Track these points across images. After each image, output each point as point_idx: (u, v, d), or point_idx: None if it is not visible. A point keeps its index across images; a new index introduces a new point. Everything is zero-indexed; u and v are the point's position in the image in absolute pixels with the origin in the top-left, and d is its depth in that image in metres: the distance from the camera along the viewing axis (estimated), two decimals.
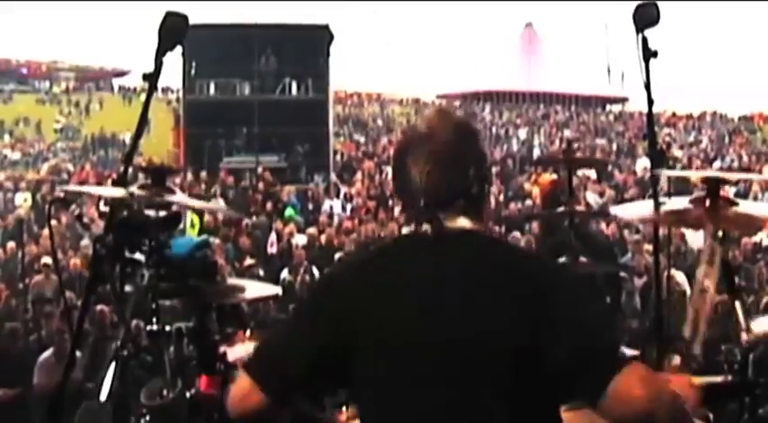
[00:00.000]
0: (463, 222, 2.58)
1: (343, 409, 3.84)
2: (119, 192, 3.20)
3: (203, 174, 24.43)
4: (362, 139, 43.14)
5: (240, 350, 3.94)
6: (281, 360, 2.63)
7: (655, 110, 3.76)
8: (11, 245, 16.15)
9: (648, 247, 13.71)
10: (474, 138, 2.69)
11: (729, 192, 3.23)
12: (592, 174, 25.19)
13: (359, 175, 26.51)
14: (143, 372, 3.50)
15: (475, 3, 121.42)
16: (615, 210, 3.37)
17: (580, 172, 23.27)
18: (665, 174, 3.37)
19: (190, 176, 23.82)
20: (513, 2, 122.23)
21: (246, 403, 2.65)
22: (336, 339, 2.54)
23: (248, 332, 4.51)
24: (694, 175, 3.25)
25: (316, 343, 2.57)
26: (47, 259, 14.20)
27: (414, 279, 2.51)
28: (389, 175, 27.10)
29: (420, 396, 2.44)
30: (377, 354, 2.50)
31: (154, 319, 3.50)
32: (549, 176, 9.16)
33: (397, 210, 20.73)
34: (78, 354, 8.23)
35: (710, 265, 2.95)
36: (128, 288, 3.17)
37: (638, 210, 3.34)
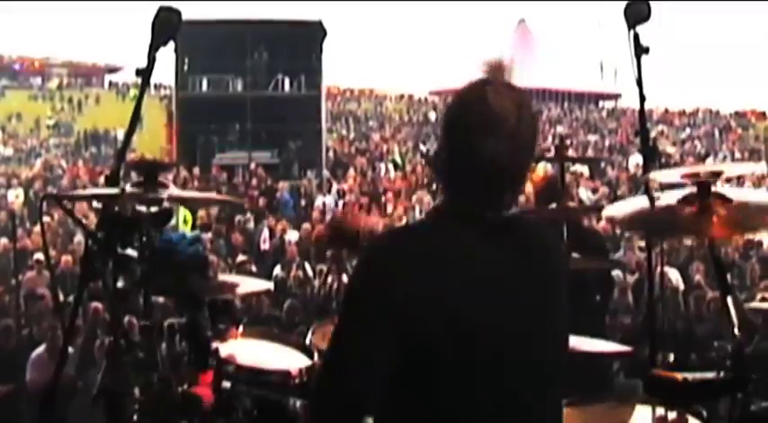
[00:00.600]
0: (515, 210, 2.53)
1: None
2: (112, 191, 3.19)
3: (196, 170, 24.40)
4: (355, 136, 43.14)
5: (232, 346, 3.93)
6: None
7: (647, 106, 3.76)
8: (3, 241, 16.09)
9: (641, 243, 13.74)
10: (535, 119, 2.50)
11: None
12: (585, 170, 25.24)
13: (351, 172, 26.49)
14: (135, 367, 3.50)
15: None
16: (608, 210, 3.31)
17: (573, 168, 23.34)
18: (656, 176, 3.36)
19: (183, 172, 23.78)
20: None
21: None
22: (406, 344, 2.28)
23: (240, 328, 4.48)
24: (679, 172, 3.16)
25: (385, 354, 2.30)
26: (39, 255, 14.18)
27: (487, 270, 2.36)
28: (383, 171, 27.16)
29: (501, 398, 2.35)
30: (456, 355, 2.28)
31: (146, 315, 3.50)
32: (542, 171, 9.17)
33: (389, 206, 20.79)
34: (70, 350, 8.24)
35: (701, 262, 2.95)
36: (120, 284, 3.16)
37: (630, 208, 3.32)
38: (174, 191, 3.78)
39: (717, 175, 2.99)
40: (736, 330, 3.13)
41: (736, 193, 3.01)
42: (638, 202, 3.22)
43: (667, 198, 3.10)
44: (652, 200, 3.15)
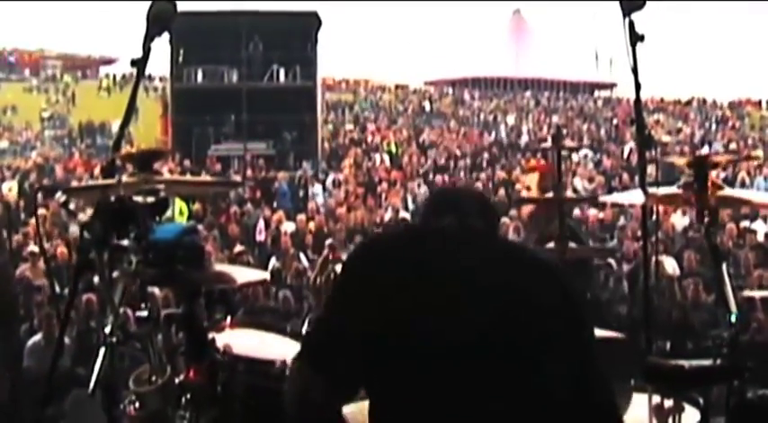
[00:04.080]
0: (480, 223, 2.71)
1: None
2: (108, 182, 3.19)
3: (190, 161, 24.37)
4: (351, 126, 43.03)
5: (228, 336, 3.94)
6: (339, 346, 2.57)
7: (642, 96, 3.76)
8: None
9: (637, 231, 13.76)
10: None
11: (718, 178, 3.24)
12: (581, 159, 25.29)
13: (347, 162, 26.46)
14: (132, 358, 3.50)
15: None
16: (605, 199, 3.36)
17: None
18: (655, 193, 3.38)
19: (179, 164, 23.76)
20: None
21: (310, 398, 2.59)
22: (368, 331, 2.51)
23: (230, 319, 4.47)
24: (680, 160, 3.20)
25: (356, 332, 2.53)
26: (33, 247, 14.14)
27: (441, 274, 2.54)
28: (378, 161, 27.16)
29: (442, 394, 2.44)
30: (403, 349, 2.47)
31: (142, 306, 3.49)
32: (536, 162, 9.19)
33: (383, 197, 20.84)
34: (66, 340, 8.24)
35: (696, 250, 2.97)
36: (115, 274, 3.15)
37: (627, 197, 3.35)
38: (170, 178, 3.77)
39: (715, 165, 3.02)
40: (732, 318, 3.13)
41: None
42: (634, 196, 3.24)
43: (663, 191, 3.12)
44: (646, 193, 3.16)
